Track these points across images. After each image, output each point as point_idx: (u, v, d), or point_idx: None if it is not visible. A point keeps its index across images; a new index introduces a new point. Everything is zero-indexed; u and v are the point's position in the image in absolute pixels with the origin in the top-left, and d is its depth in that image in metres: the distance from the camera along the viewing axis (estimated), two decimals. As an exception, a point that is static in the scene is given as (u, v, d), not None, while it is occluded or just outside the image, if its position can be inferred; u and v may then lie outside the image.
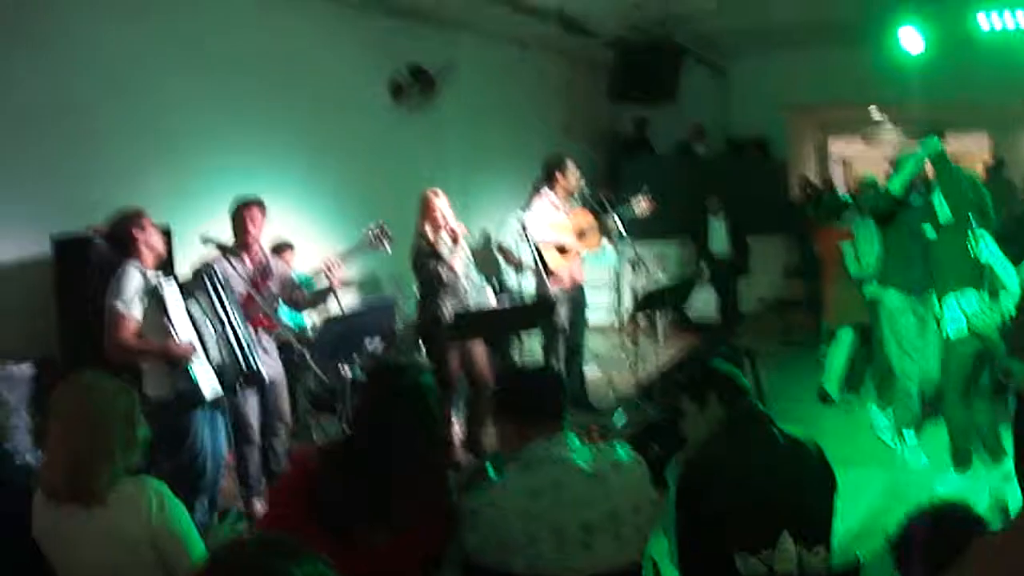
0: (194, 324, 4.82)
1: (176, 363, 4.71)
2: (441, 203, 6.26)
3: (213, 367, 4.83)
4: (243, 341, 4.96)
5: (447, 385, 6.25)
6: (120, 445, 2.83)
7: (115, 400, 2.87)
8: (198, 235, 5.52)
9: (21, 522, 2.94)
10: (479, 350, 6.46)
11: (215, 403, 4.91)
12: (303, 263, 6.98)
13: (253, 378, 5.00)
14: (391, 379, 2.95)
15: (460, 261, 6.24)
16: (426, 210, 6.28)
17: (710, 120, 14.25)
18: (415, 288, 6.58)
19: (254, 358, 5.02)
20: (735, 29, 12.11)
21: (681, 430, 3.38)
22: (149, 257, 4.87)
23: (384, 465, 2.74)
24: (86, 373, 2.94)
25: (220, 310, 4.88)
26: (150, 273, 4.78)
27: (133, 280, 4.68)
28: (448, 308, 6.23)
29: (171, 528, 2.81)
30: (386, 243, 5.88)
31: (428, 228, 6.25)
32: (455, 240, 6.25)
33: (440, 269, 6.15)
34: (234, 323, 4.92)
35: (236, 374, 4.90)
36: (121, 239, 4.83)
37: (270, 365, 5.62)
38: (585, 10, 10.84)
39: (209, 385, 4.77)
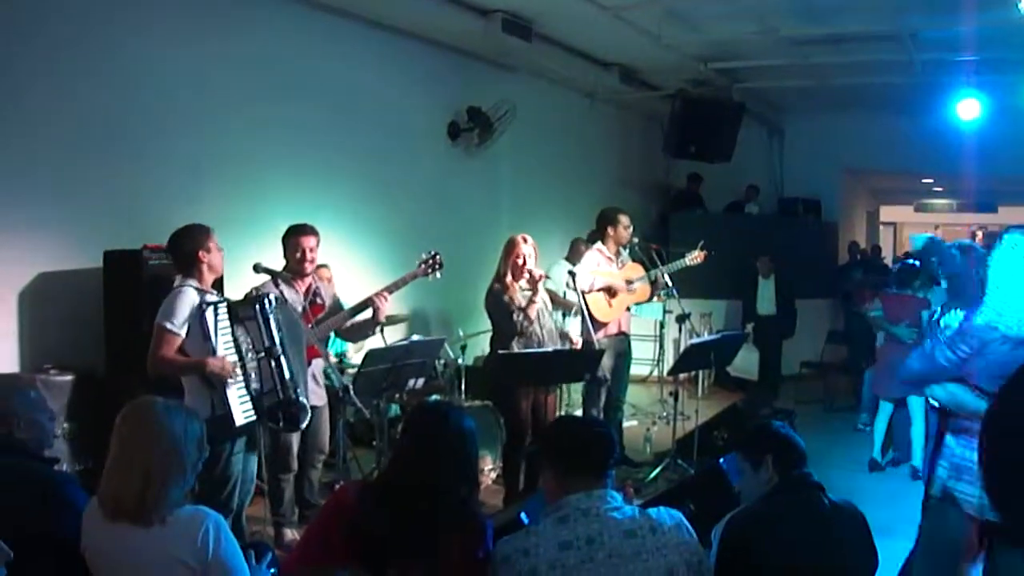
0: (238, 350, 4.75)
1: (215, 385, 4.65)
2: (527, 249, 6.17)
3: (251, 395, 4.73)
4: (286, 373, 4.80)
5: (514, 430, 6.21)
6: (190, 469, 2.88)
7: (190, 425, 2.91)
8: (248, 260, 5.54)
9: (63, 532, 2.98)
10: (550, 399, 6.38)
11: (251, 430, 4.84)
12: (350, 295, 7.00)
13: (294, 411, 4.87)
14: (435, 422, 2.99)
15: (535, 306, 6.18)
16: (509, 254, 6.21)
17: (763, 178, 14.26)
18: (490, 329, 6.49)
19: (297, 390, 4.85)
20: (795, 90, 12.12)
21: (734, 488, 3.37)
22: (208, 278, 4.87)
23: (422, 505, 2.79)
24: (158, 397, 2.97)
25: (267, 339, 4.77)
26: (205, 294, 4.76)
27: (186, 302, 4.67)
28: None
29: (226, 563, 2.80)
30: (437, 272, 5.86)
31: (508, 271, 6.20)
32: (534, 285, 6.21)
33: (514, 313, 6.12)
34: (278, 354, 4.78)
35: (275, 405, 4.77)
36: (185, 256, 4.82)
37: (318, 395, 5.62)
38: (647, 63, 10.92)
39: (241, 412, 4.67)
